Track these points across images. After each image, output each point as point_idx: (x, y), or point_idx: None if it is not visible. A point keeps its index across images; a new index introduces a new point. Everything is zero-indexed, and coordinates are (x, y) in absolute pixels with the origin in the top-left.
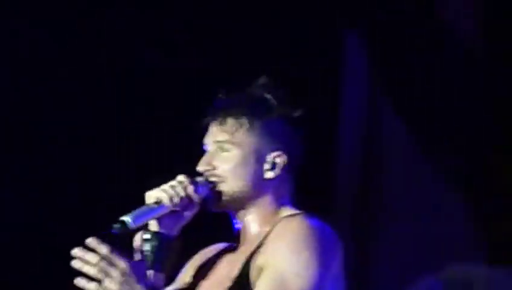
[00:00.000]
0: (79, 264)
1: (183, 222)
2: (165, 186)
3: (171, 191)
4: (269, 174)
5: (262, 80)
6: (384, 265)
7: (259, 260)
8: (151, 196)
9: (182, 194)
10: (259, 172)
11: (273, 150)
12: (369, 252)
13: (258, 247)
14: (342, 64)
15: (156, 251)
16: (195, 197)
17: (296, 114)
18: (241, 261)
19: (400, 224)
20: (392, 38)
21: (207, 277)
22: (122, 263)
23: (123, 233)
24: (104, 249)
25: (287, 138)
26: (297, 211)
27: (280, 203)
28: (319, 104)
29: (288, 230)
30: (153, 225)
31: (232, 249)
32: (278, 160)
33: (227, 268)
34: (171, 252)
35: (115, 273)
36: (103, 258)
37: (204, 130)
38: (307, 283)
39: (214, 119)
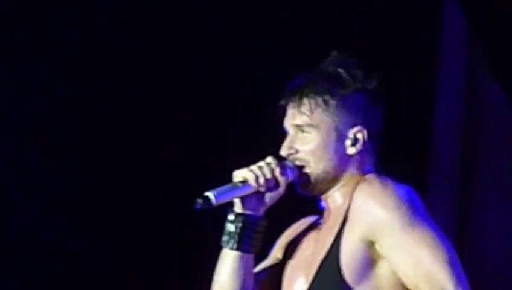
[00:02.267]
0: None
1: (268, 204)
2: (253, 167)
3: (258, 172)
4: (351, 150)
5: (334, 55)
6: (482, 229)
7: (353, 234)
8: (238, 175)
9: (269, 175)
10: (341, 150)
11: (352, 126)
12: (467, 216)
13: (344, 222)
14: (440, 33)
15: (240, 231)
16: (282, 180)
17: (371, 86)
18: (328, 241)
19: (499, 190)
20: (492, 5)
21: (295, 257)
22: None
23: (205, 209)
24: None
25: (364, 111)
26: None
27: (362, 173)
28: (417, 73)
29: (376, 198)
30: (237, 205)
31: (318, 224)
32: (359, 135)
33: (315, 247)
34: (257, 233)
35: None
36: None
37: (282, 111)
38: (432, 232)
39: (290, 100)
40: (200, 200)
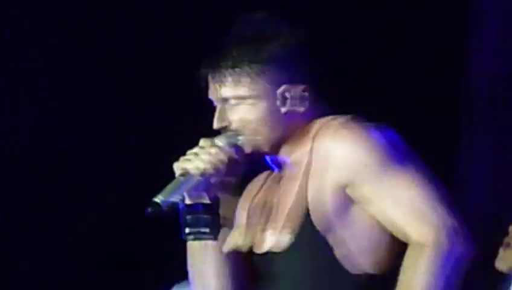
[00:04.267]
0: None
1: (218, 185)
2: (190, 155)
3: (197, 161)
4: (284, 109)
5: (249, 15)
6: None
7: (321, 181)
8: (178, 167)
9: (208, 159)
10: (274, 111)
11: (279, 85)
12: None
13: (307, 170)
14: None
15: (197, 222)
16: (222, 159)
17: (294, 40)
18: (292, 190)
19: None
20: None
21: (260, 213)
22: None
23: (158, 214)
24: None
25: (292, 67)
26: (331, 117)
27: (308, 120)
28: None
29: (341, 141)
30: (187, 198)
31: (275, 178)
32: (286, 94)
33: (279, 199)
34: (214, 217)
35: None
36: None
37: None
38: (414, 171)
39: (213, 72)
40: (150, 208)
